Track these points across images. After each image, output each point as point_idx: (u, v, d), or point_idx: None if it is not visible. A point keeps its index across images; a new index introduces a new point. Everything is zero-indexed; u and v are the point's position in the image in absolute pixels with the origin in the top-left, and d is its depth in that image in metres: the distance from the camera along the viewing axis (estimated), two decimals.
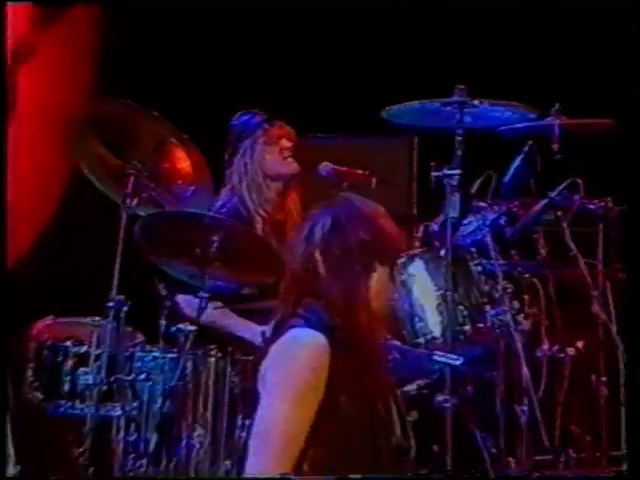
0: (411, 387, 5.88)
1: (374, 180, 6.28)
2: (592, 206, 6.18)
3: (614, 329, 6.98)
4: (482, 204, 6.07)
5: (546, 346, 6.22)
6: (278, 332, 3.89)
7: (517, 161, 6.12)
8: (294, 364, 3.79)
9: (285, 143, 6.35)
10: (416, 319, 5.77)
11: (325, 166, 6.20)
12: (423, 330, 5.78)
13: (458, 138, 5.92)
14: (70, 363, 5.67)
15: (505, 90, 6.48)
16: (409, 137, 7.27)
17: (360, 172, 6.36)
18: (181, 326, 5.60)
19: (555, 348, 6.21)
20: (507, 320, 5.76)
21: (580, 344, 6.33)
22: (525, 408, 5.74)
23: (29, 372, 5.74)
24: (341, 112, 6.80)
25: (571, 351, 6.22)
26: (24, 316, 5.96)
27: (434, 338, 5.78)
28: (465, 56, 8.27)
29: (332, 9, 8.56)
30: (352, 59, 8.42)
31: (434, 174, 5.85)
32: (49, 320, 5.83)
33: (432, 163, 5.90)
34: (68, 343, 5.70)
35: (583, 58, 8.35)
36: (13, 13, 7.27)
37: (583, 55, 8.38)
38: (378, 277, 3.96)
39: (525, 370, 5.76)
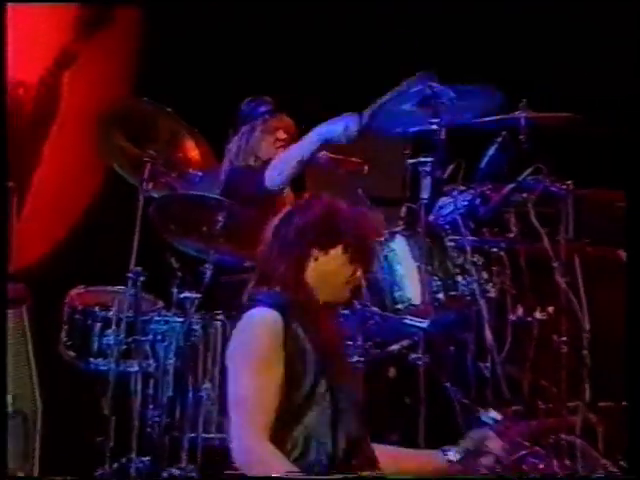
0: (395, 347, 5.86)
1: (366, 167, 6.31)
2: (555, 188, 6.14)
3: (582, 295, 7.03)
4: (461, 187, 6.03)
5: (520, 311, 6.19)
6: (239, 313, 3.91)
7: (491, 150, 6.07)
8: (254, 339, 3.81)
9: (281, 135, 6.31)
10: (396, 288, 5.72)
11: (322, 155, 6.22)
12: (402, 298, 5.73)
13: (434, 127, 5.90)
14: (98, 326, 5.74)
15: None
16: None
17: (354, 160, 6.39)
18: (188, 294, 5.66)
19: (525, 313, 6.20)
20: (476, 288, 5.75)
21: (550, 309, 6.32)
22: (488, 365, 5.68)
23: (63, 333, 5.78)
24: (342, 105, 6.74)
25: (540, 315, 6.20)
26: (61, 286, 5.99)
27: (412, 305, 5.71)
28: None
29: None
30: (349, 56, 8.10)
31: (409, 161, 5.91)
32: (81, 289, 5.88)
33: (406, 151, 5.94)
34: (96, 308, 5.76)
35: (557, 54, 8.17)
36: (56, 21, 7.39)
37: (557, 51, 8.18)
38: (332, 259, 3.96)
39: (488, 332, 5.69)
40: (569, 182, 6.22)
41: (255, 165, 6.30)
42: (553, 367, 6.16)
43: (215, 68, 7.52)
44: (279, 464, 3.70)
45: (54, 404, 5.45)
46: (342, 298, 4.10)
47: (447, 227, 5.95)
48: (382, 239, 5.31)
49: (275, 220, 4.12)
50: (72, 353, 5.75)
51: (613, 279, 6.89)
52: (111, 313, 5.71)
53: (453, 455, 4.15)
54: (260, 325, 3.82)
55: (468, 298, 5.77)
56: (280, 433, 3.78)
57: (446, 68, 6.24)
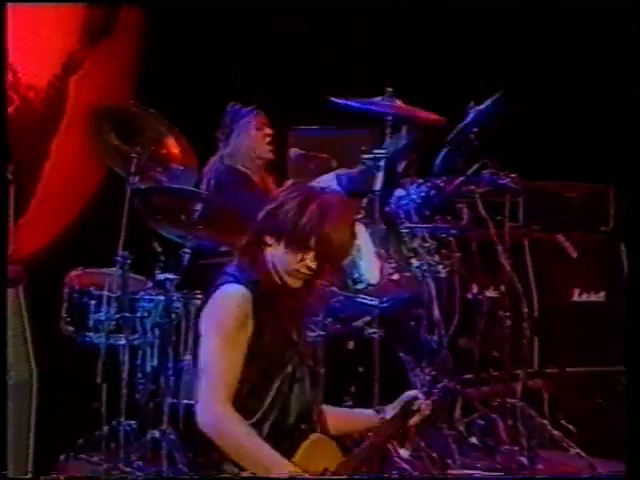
0: (357, 323, 5.82)
1: (334, 162, 6.26)
2: (501, 181, 6.12)
3: (530, 273, 7.02)
4: (420, 180, 6.05)
5: (474, 289, 6.28)
6: (214, 287, 3.83)
7: (446, 148, 6.08)
8: (223, 312, 3.72)
9: (267, 130, 6.27)
10: (355, 271, 5.68)
11: (294, 151, 6.21)
12: (360, 279, 5.70)
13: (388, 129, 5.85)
14: (92, 304, 5.70)
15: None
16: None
17: (323, 156, 6.34)
18: (168, 275, 5.64)
19: (478, 291, 6.24)
20: (427, 269, 5.76)
21: (501, 288, 6.30)
22: (435, 337, 5.70)
23: (63, 311, 5.77)
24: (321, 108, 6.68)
25: (491, 293, 6.21)
26: (61, 269, 5.97)
27: (370, 285, 5.70)
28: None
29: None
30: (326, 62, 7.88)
31: (364, 157, 5.88)
32: (79, 271, 5.85)
33: (362, 148, 5.92)
34: (91, 288, 5.72)
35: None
36: (63, 27, 7.34)
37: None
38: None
39: (436, 309, 5.74)
40: (514, 175, 6.23)
41: (248, 174, 6.28)
42: (501, 339, 6.20)
43: (201, 71, 7.44)
44: (237, 427, 3.64)
45: (52, 374, 5.29)
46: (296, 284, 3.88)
47: (404, 215, 5.93)
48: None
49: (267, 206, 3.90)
50: (70, 328, 5.73)
51: (556, 259, 6.89)
52: (103, 292, 5.66)
53: (385, 414, 4.09)
54: (229, 299, 3.72)
55: (420, 278, 5.76)
56: (245, 400, 3.71)
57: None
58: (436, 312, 5.66)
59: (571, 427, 6.62)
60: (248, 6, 7.66)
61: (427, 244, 5.87)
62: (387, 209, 5.93)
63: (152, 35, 7.60)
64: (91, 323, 5.70)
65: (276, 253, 3.80)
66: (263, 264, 3.82)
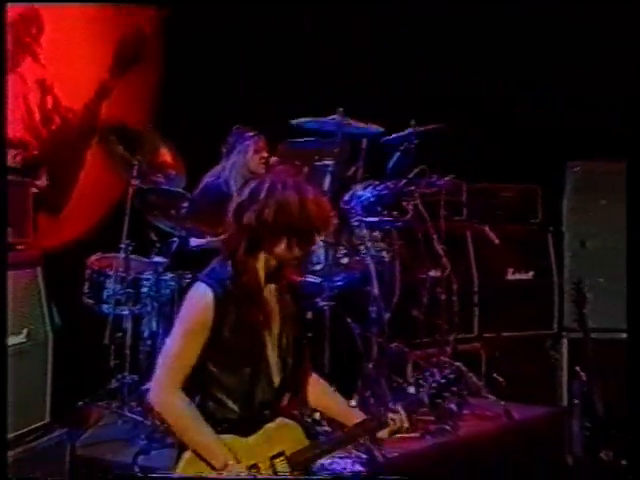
0: (322, 302, 5.60)
1: (305, 169, 6.16)
2: (440, 182, 6.06)
3: (471, 257, 6.92)
4: (376, 182, 5.91)
5: (423, 270, 6.09)
6: (194, 279, 3.49)
7: (395, 156, 5.99)
8: (187, 309, 3.36)
9: (264, 154, 6.10)
10: (313, 254, 5.55)
11: (273, 160, 6.14)
12: (316, 261, 5.61)
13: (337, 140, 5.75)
14: (107, 281, 5.66)
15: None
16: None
17: (296, 163, 6.25)
18: (159, 259, 5.62)
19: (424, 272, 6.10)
20: (372, 254, 5.66)
21: (444, 269, 6.21)
22: (375, 308, 5.56)
23: (85, 287, 5.74)
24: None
25: (433, 273, 6.12)
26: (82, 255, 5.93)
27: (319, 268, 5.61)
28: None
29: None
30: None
31: (316, 164, 5.84)
32: (98, 255, 5.81)
33: (316, 157, 5.83)
34: (107, 269, 5.68)
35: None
36: (97, 60, 7.22)
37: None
38: (278, 248, 3.38)
39: (375, 286, 5.59)
40: (448, 177, 6.14)
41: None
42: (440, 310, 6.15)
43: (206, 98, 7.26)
44: (179, 408, 3.32)
45: (68, 338, 5.31)
46: (285, 273, 3.48)
47: (361, 210, 5.78)
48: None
49: (236, 201, 3.45)
50: (90, 301, 5.70)
51: (494, 246, 6.79)
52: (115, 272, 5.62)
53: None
54: (194, 299, 3.35)
55: (367, 262, 5.64)
56: (209, 385, 3.39)
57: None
58: (376, 289, 5.53)
59: (501, 379, 6.57)
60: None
61: (375, 234, 5.75)
62: (344, 205, 5.78)
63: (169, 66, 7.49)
64: (105, 296, 5.64)
65: (277, 250, 3.36)
66: (253, 265, 3.39)
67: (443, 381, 3.62)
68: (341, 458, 5.00)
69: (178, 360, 3.32)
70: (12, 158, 5.84)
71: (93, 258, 5.77)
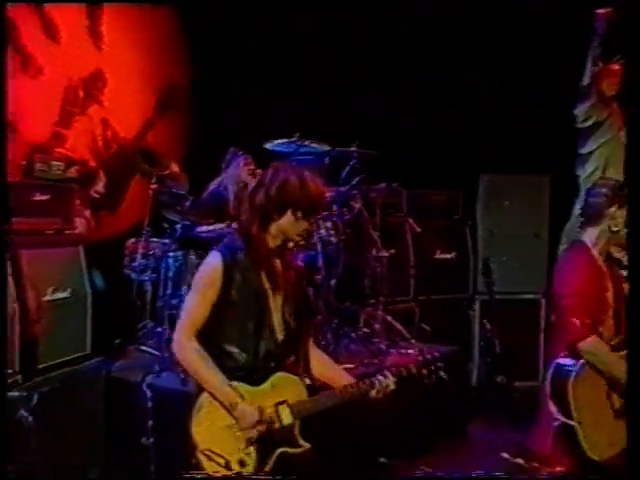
0: None
1: None
2: (380, 188, 6.15)
3: (410, 244, 6.88)
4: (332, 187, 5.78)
5: (373, 251, 6.03)
6: (210, 249, 3.21)
7: (347, 168, 5.93)
8: (201, 271, 3.13)
9: (251, 166, 5.97)
10: None
11: (259, 172, 6.02)
12: None
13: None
14: (136, 257, 5.62)
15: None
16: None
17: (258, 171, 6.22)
18: (166, 241, 5.58)
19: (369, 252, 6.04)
20: (323, 238, 5.61)
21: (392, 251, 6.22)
22: (320, 277, 5.51)
23: (125, 262, 5.70)
24: None
25: (384, 254, 6.07)
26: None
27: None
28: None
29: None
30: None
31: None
32: (132, 239, 5.76)
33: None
34: (136, 248, 5.64)
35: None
36: (143, 100, 7.14)
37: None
38: (285, 220, 3.15)
39: (321, 262, 5.49)
40: (383, 184, 6.14)
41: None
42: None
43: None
44: (194, 354, 3.05)
45: (110, 295, 5.33)
46: (293, 244, 3.24)
47: None
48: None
49: (249, 190, 3.24)
50: (127, 271, 5.67)
51: (427, 234, 6.74)
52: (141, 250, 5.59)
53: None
54: (208, 264, 3.11)
55: (319, 244, 5.57)
56: (220, 338, 3.11)
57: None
58: (320, 261, 5.49)
59: (428, 328, 6.56)
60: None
61: (327, 224, 5.66)
62: None
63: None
64: (134, 267, 5.61)
65: (282, 225, 3.13)
66: (264, 237, 3.13)
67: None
68: None
69: (192, 313, 3.08)
70: (74, 171, 5.69)
71: (129, 241, 5.75)
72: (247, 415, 2.98)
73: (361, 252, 6.03)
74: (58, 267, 4.60)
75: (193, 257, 5.39)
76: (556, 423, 3.40)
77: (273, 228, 3.12)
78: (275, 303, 3.14)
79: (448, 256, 7.19)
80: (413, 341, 6.02)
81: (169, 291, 5.39)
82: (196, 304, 3.09)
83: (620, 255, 6.68)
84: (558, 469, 3.45)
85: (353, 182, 5.81)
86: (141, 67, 6.97)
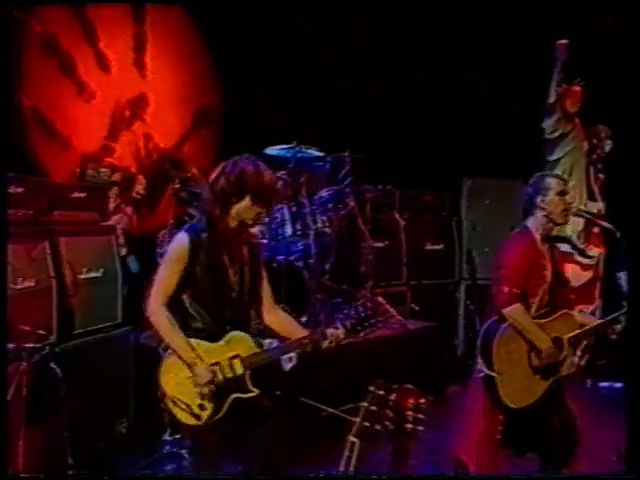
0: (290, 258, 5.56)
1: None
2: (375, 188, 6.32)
3: (402, 237, 6.88)
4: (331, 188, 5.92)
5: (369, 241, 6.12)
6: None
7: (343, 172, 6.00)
8: (170, 248, 3.20)
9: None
10: (280, 229, 5.55)
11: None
12: (282, 233, 5.55)
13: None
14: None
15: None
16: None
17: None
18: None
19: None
20: (319, 230, 5.64)
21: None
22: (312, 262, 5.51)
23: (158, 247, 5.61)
24: None
25: (373, 244, 6.18)
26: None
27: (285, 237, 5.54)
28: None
29: None
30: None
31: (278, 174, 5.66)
32: (163, 231, 5.64)
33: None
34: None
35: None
36: (181, 117, 7.15)
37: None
38: (244, 205, 3.13)
39: (313, 248, 5.49)
40: (380, 187, 6.33)
41: None
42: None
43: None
44: (163, 319, 3.11)
45: (143, 276, 5.16)
46: (247, 230, 3.22)
47: (317, 204, 5.69)
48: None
49: (212, 178, 3.19)
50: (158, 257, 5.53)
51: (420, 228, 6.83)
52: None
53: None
54: (176, 241, 3.16)
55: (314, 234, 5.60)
56: (187, 307, 3.15)
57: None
58: (314, 250, 5.50)
59: (417, 308, 6.58)
60: None
61: (323, 218, 5.66)
62: (306, 201, 5.57)
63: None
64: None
65: (240, 210, 3.12)
66: (226, 219, 3.14)
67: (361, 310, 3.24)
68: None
69: (163, 283, 3.11)
70: (117, 176, 5.92)
71: (161, 232, 5.68)
72: (202, 375, 3.06)
73: (354, 243, 6.06)
74: (93, 251, 4.66)
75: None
76: (480, 375, 3.43)
77: (233, 211, 3.13)
78: (233, 275, 3.17)
79: (437, 247, 7.18)
80: (400, 318, 6.00)
81: None
82: (166, 276, 3.13)
83: (584, 246, 6.64)
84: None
85: (345, 182, 5.89)
86: (179, 90, 7.02)
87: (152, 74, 6.85)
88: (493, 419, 3.49)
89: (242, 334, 3.16)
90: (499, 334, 3.44)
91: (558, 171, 6.22)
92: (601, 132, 6.43)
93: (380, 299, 5.92)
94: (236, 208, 3.12)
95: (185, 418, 3.05)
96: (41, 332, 3.95)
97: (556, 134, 6.18)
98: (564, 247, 6.50)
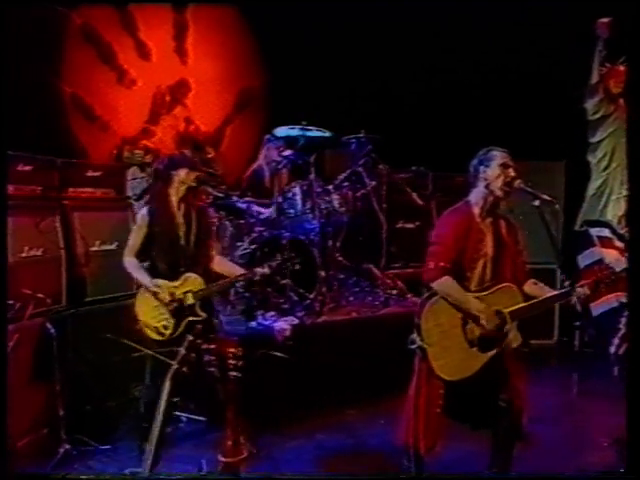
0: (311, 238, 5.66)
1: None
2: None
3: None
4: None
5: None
6: None
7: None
8: (137, 217, 4.31)
9: (282, 148, 6.01)
10: (293, 209, 5.74)
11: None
12: (293, 211, 5.73)
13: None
14: None
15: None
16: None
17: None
18: None
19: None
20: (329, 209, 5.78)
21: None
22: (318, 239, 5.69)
23: None
24: None
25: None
26: None
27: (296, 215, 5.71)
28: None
29: None
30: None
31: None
32: None
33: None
34: None
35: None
36: (223, 103, 7.43)
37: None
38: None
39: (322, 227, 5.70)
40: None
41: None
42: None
43: None
44: (132, 265, 4.15)
45: None
46: (192, 197, 4.20)
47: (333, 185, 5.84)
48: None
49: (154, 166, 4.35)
50: None
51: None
52: None
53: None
54: (139, 213, 4.25)
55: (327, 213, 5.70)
56: (151, 259, 4.17)
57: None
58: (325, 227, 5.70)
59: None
60: None
61: (334, 196, 5.73)
62: (312, 179, 5.62)
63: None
64: None
65: (180, 176, 4.11)
66: (167, 195, 4.14)
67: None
68: (276, 321, 5.11)
69: (132, 242, 4.16)
70: (149, 158, 6.30)
71: None
72: (163, 297, 4.08)
73: (367, 222, 6.16)
74: (108, 226, 5.06)
75: (227, 223, 5.72)
76: (413, 346, 3.56)
77: (175, 182, 4.07)
78: (185, 232, 4.12)
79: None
80: (409, 296, 6.03)
81: None
82: (133, 237, 4.17)
83: (624, 231, 6.46)
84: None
85: (360, 162, 5.97)
86: (220, 75, 7.33)
87: (193, 60, 7.27)
88: (430, 392, 3.56)
89: (194, 275, 4.08)
90: (426, 307, 3.54)
91: (600, 154, 6.32)
92: None
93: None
94: (177, 180, 4.09)
95: (154, 336, 4.04)
96: (40, 296, 4.43)
97: (598, 115, 6.13)
98: (604, 232, 6.48)
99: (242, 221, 5.67)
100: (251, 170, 6.18)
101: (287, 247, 5.35)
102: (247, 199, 5.75)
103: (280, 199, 5.60)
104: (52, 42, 6.24)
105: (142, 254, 4.15)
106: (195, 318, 4.05)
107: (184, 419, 4.72)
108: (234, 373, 2.55)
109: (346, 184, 5.83)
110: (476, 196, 3.68)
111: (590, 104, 6.10)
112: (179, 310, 4.04)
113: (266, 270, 4.14)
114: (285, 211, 5.61)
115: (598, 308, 6.17)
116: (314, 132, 5.74)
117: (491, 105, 7.22)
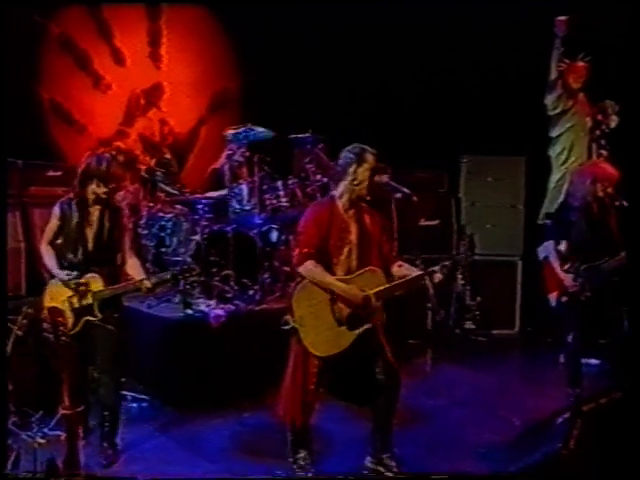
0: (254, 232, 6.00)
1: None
2: None
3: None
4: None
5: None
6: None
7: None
8: (51, 212, 4.53)
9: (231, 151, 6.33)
10: (239, 205, 6.14)
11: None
12: (240, 207, 6.12)
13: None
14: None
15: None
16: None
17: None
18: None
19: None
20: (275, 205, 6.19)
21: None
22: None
23: None
24: None
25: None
26: None
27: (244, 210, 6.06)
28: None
29: None
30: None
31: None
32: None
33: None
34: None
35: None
36: (197, 105, 7.85)
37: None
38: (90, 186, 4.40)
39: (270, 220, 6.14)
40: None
41: None
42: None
43: None
44: (45, 252, 4.43)
45: None
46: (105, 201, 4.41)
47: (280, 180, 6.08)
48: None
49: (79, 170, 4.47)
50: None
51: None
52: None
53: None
54: (53, 209, 4.48)
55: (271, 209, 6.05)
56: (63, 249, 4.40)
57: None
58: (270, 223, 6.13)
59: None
60: None
61: (279, 192, 6.06)
62: (258, 177, 5.96)
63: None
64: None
65: (91, 188, 4.36)
66: (85, 192, 4.38)
67: None
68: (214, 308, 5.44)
69: (46, 234, 4.46)
70: (122, 158, 6.53)
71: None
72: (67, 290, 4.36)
73: None
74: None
75: (182, 219, 6.20)
76: (287, 327, 3.99)
77: (89, 190, 4.38)
78: (91, 232, 4.40)
79: (431, 223, 7.42)
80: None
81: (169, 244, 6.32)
82: (47, 230, 4.47)
83: None
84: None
85: (306, 160, 6.41)
86: (195, 78, 7.71)
87: (167, 65, 7.58)
88: (306, 369, 3.92)
89: (95, 275, 4.32)
90: (297, 290, 3.98)
91: (559, 148, 6.64)
92: (608, 107, 6.37)
93: None
94: (90, 188, 4.38)
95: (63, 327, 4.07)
96: None
97: (557, 110, 6.38)
98: None
99: (196, 216, 6.07)
100: (211, 169, 6.60)
101: (231, 241, 5.84)
102: (197, 195, 6.18)
103: (228, 195, 6.01)
104: (31, 51, 6.86)
105: (53, 245, 4.40)
106: (92, 318, 4.26)
107: (129, 397, 5.20)
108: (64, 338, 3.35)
109: (294, 181, 6.20)
110: (342, 190, 4.08)
111: (549, 100, 6.35)
112: (78, 310, 4.27)
113: (168, 276, 4.45)
114: (231, 206, 5.99)
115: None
116: (258, 132, 6.11)
117: (453, 101, 7.68)
